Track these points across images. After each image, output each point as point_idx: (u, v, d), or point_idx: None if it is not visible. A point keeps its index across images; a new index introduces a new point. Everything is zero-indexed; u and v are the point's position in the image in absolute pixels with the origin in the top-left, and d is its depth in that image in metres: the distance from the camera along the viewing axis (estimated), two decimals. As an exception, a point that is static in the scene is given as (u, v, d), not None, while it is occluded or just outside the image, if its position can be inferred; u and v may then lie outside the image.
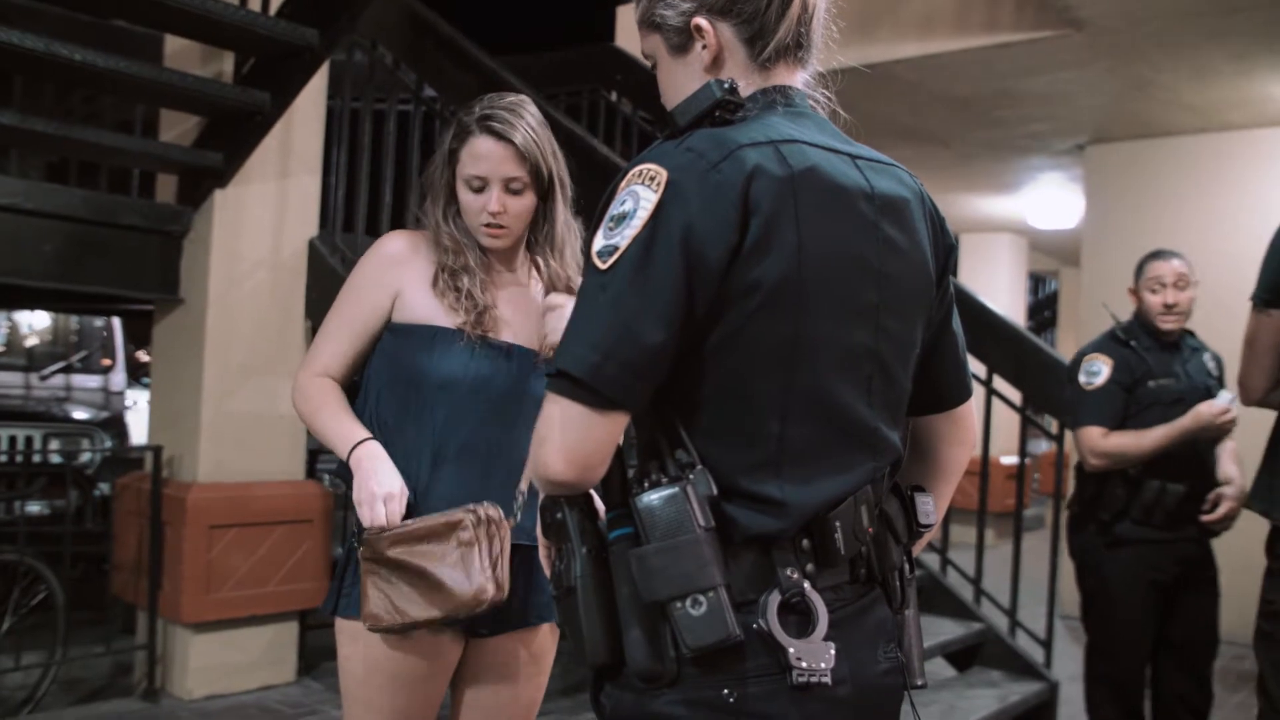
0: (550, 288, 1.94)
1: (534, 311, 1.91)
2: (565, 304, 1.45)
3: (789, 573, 1.16)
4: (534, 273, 2.00)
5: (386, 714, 1.86)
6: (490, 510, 1.80)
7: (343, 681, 1.90)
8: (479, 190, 1.88)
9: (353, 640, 1.86)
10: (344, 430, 1.86)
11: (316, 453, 4.67)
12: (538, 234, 1.97)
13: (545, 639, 1.98)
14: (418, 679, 1.86)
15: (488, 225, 1.89)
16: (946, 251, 1.36)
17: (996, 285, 9.28)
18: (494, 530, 1.80)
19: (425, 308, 1.88)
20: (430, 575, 1.76)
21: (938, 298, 1.36)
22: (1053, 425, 4.56)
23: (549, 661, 2.01)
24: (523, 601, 1.90)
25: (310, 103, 4.06)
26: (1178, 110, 5.75)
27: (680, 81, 1.29)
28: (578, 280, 1.86)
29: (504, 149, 1.86)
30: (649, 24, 1.31)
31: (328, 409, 1.89)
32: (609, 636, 1.15)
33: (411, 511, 1.82)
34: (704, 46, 1.27)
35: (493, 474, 1.87)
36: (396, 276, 1.91)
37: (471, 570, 1.76)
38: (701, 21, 1.26)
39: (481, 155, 1.86)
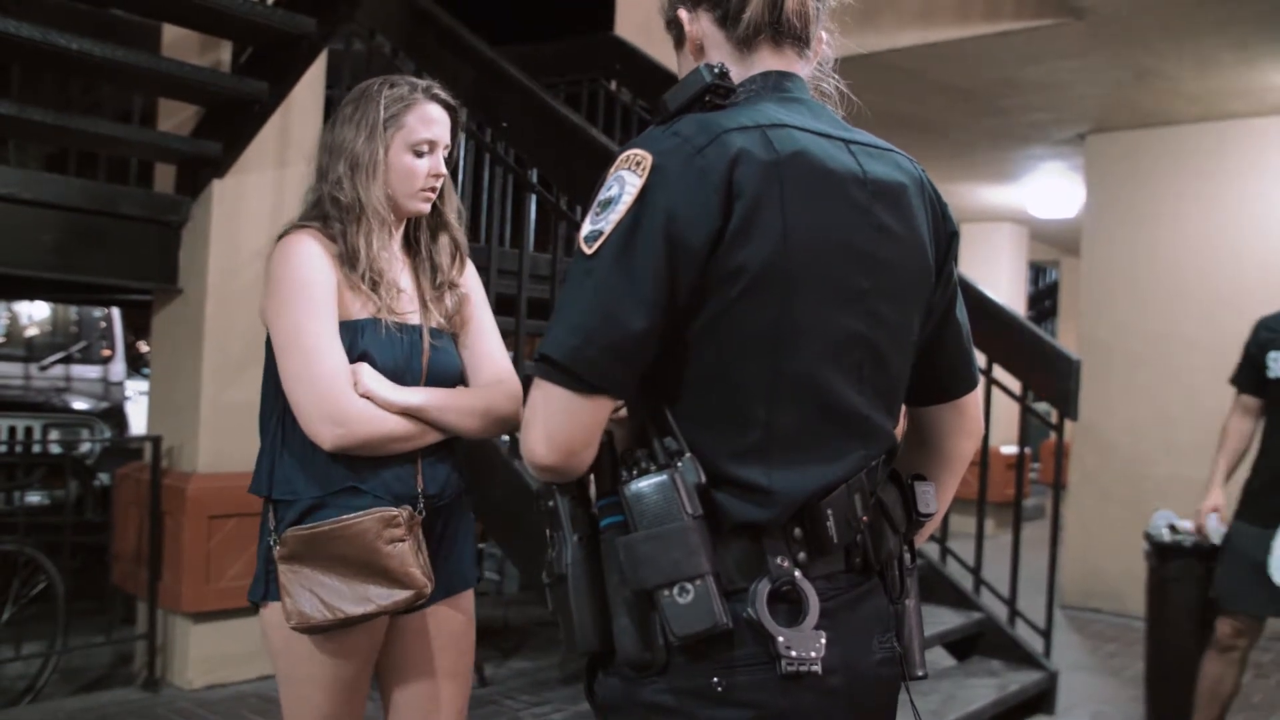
0: (427, 268, 1.97)
1: (424, 287, 1.95)
2: None
3: (779, 561, 1.15)
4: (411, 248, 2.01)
5: (325, 687, 1.84)
6: (405, 510, 1.79)
7: (276, 664, 1.89)
8: (423, 155, 1.92)
9: (282, 623, 1.81)
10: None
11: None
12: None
13: (458, 612, 1.96)
14: (351, 651, 1.84)
15: (426, 190, 1.92)
16: (948, 238, 1.35)
17: (997, 275, 9.28)
18: (414, 526, 1.80)
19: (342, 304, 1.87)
20: (373, 568, 1.75)
21: (939, 285, 1.34)
22: (1052, 415, 4.55)
23: (471, 631, 2.00)
24: (437, 575, 1.88)
25: (308, 92, 4.04)
26: (1179, 99, 5.73)
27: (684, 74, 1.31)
28: (451, 273, 1.95)
29: (447, 117, 1.95)
30: (666, 29, 1.36)
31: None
32: (599, 624, 1.15)
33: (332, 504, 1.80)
34: (688, 37, 1.30)
35: (422, 457, 1.86)
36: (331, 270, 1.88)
37: (411, 564, 1.76)
38: (680, 13, 1.30)
39: (435, 119, 1.93)
